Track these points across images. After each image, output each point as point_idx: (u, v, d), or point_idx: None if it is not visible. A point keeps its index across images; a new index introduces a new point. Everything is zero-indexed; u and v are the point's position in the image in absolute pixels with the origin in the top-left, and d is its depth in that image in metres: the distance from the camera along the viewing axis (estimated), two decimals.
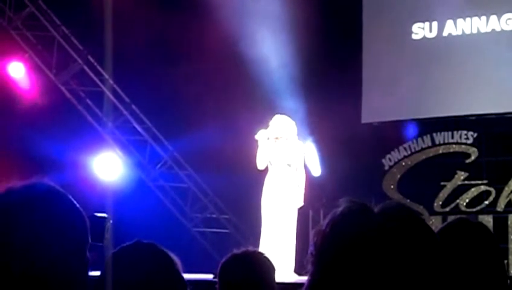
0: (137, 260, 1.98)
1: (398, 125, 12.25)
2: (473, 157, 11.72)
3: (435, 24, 12.01)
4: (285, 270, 8.62)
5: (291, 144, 9.16)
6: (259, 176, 9.22)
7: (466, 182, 11.68)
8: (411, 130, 12.24)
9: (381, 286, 1.54)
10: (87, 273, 1.86)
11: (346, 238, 1.58)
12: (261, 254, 3.40)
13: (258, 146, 9.10)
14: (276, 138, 9.09)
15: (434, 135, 12.08)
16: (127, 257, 1.99)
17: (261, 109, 10.45)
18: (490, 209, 11.44)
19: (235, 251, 3.32)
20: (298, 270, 8.78)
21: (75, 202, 1.87)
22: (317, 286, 1.62)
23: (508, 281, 2.58)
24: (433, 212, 11.66)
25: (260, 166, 9.13)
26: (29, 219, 1.76)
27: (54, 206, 1.82)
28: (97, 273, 1.96)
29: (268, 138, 9.06)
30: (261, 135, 9.08)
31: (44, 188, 1.85)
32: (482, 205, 11.53)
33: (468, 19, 11.78)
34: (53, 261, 1.75)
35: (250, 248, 3.41)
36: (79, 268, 1.82)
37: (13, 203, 1.79)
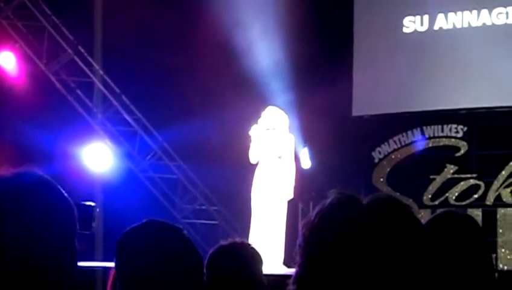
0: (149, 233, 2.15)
1: (388, 119, 12.25)
2: (462, 151, 11.76)
3: (426, 18, 12.01)
4: (274, 262, 8.63)
5: (282, 136, 9.16)
6: (250, 167, 9.22)
7: (455, 175, 11.72)
8: (401, 124, 12.26)
9: (369, 278, 1.54)
10: (76, 263, 1.86)
11: (335, 229, 1.58)
12: (248, 245, 3.39)
13: (251, 140, 9.12)
14: (267, 129, 9.10)
15: (424, 128, 12.10)
16: (140, 233, 2.15)
17: (251, 101, 10.43)
18: (479, 203, 11.49)
19: (222, 242, 3.32)
20: (287, 262, 8.78)
21: (64, 192, 1.87)
22: (305, 277, 1.62)
23: (496, 274, 2.58)
24: (422, 206, 11.69)
25: (252, 160, 9.16)
26: (18, 208, 1.76)
27: (43, 195, 1.81)
28: (86, 263, 1.97)
29: (260, 129, 9.07)
30: (254, 131, 9.11)
31: (33, 177, 1.84)
32: (471, 199, 11.57)
33: (459, 13, 11.79)
34: (41, 251, 1.75)
35: (238, 239, 3.40)
36: (67, 258, 1.82)
37: (2, 192, 1.78)
